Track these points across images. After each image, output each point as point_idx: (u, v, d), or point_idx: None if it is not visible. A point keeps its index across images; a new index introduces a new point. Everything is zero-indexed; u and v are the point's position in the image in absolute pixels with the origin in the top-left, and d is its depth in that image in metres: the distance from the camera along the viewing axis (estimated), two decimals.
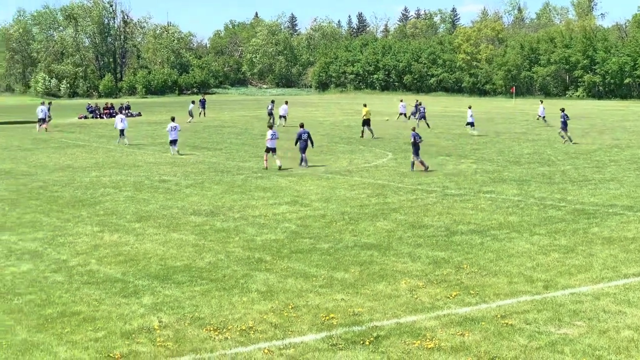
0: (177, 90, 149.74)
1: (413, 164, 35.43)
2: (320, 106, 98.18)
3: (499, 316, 14.61)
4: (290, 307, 15.28)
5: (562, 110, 48.49)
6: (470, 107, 57.29)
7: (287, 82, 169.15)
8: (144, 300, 15.81)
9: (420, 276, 17.44)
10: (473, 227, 22.79)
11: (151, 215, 25.02)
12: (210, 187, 30.78)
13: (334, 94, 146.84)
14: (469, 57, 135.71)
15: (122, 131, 49.22)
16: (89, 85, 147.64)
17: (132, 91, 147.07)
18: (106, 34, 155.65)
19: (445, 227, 22.81)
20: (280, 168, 35.78)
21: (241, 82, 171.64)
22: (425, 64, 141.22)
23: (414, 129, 36.28)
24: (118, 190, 30.30)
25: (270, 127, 38.13)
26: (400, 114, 69.64)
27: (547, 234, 21.73)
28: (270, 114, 63.42)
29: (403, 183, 31.55)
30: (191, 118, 68.48)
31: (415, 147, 35.18)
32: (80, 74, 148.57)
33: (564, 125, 47.27)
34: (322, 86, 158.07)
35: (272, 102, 67.70)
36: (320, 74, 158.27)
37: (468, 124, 55.16)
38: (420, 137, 35.57)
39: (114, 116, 75.74)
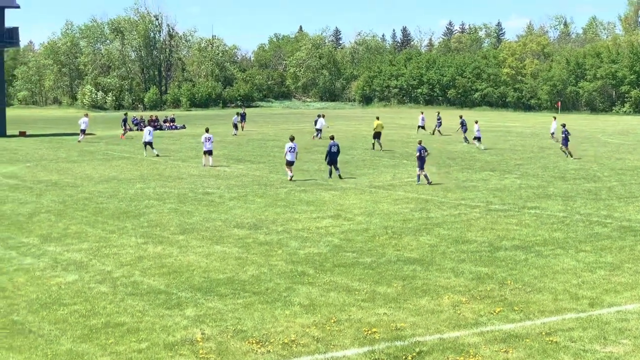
0: (221, 103, 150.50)
1: (419, 177, 35.80)
2: (363, 120, 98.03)
3: (543, 333, 14.47)
4: (332, 320, 15.26)
5: (564, 125, 48.92)
6: (477, 122, 56.81)
7: (330, 95, 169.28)
8: (187, 312, 15.88)
9: (464, 292, 17.33)
10: (517, 243, 22.61)
11: (195, 227, 25.14)
12: (254, 200, 30.86)
13: (377, 108, 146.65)
14: (513, 72, 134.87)
15: (149, 144, 49.34)
16: (134, 97, 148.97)
17: (176, 104, 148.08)
18: (152, 47, 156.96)
19: (489, 242, 22.66)
20: (291, 179, 36.60)
21: (285, 95, 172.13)
22: (469, 78, 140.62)
23: (420, 142, 36.70)
24: (162, 202, 30.49)
25: (292, 139, 38.36)
26: (419, 126, 69.87)
27: (593, 250, 21.50)
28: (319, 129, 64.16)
29: (446, 198, 31.40)
30: (235, 130, 68.86)
31: (421, 160, 35.57)
32: (126, 86, 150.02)
33: (565, 140, 47.88)
34: (366, 100, 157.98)
35: (320, 116, 67.20)
36: (364, 88, 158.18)
37: (475, 138, 55.09)
38: (426, 151, 35.97)
39: (157, 129, 76.39)
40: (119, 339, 14.34)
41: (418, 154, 35.64)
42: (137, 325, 15.10)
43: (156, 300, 16.78)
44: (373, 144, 53.92)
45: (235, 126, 69.85)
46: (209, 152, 43.41)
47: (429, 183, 35.16)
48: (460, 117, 63.82)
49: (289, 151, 37.08)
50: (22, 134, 71.72)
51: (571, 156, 47.08)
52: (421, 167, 35.66)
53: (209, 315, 15.70)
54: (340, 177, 37.23)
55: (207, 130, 44.42)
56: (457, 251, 21.49)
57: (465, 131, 60.16)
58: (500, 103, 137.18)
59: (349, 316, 15.58)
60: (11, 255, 21.27)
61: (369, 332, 14.60)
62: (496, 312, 15.80)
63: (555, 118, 63.89)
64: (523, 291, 17.35)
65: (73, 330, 14.86)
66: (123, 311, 15.99)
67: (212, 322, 15.23)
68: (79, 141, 60.98)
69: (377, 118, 57.28)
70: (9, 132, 71.42)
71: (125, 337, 14.40)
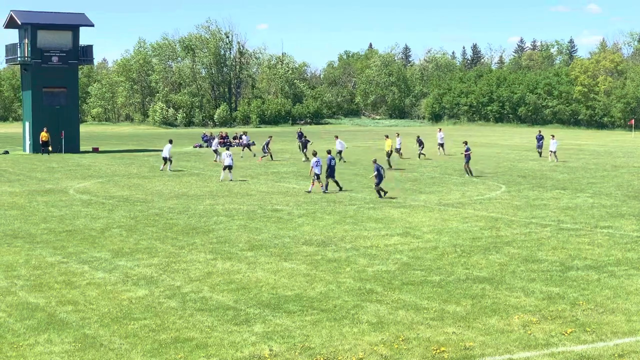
0: (290, 120, 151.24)
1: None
2: (433, 138, 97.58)
3: (616, 355, 14.19)
4: (400, 339, 15.17)
5: (552, 136, 54.84)
6: (553, 136, 59.67)
7: (399, 113, 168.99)
8: (255, 329, 15.92)
9: (534, 311, 17.09)
10: (589, 262, 22.24)
11: (263, 244, 25.24)
12: (323, 217, 30.89)
13: (447, 126, 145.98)
14: (586, 89, 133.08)
15: (229, 167, 48.77)
16: (204, 114, 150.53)
17: (246, 120, 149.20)
18: (222, 65, 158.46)
19: (560, 262, 22.33)
20: (309, 191, 38.75)
21: (354, 112, 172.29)
22: (540, 95, 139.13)
23: (375, 161, 37.96)
24: (231, 218, 30.69)
25: (314, 154, 40.62)
26: (439, 144, 67.81)
27: None
28: (398, 150, 60.74)
29: (516, 216, 31.06)
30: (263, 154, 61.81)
31: (379, 178, 36.67)
32: (197, 103, 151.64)
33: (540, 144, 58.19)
34: (435, 117, 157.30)
35: (397, 134, 63.98)
36: (434, 105, 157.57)
37: (551, 151, 57.34)
38: (384, 169, 37.68)
39: (228, 145, 76.86)
40: (187, 354, 14.43)
41: (376, 172, 36.69)
42: (206, 340, 15.19)
43: (225, 316, 16.87)
44: (389, 162, 52.34)
45: (264, 148, 61.12)
46: (229, 167, 44.63)
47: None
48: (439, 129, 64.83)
49: (315, 165, 39.05)
50: (95, 150, 72.96)
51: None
52: (377, 183, 36.77)
53: (277, 331, 15.73)
54: (340, 189, 39.44)
55: (227, 148, 46.96)
56: (527, 270, 21.22)
57: (422, 149, 61.51)
58: (572, 121, 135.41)
59: (417, 335, 15.47)
60: (84, 269, 21.59)
61: (438, 351, 14.47)
62: (568, 332, 15.55)
63: (553, 136, 61.00)
64: (595, 312, 17.05)
65: (143, 344, 15.00)
66: (192, 326, 16.10)
67: (280, 339, 15.25)
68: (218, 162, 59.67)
69: (387, 137, 56.10)
70: (82, 148, 72.73)
71: (194, 352, 14.49)
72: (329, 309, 17.40)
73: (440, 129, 73.88)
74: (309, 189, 39.12)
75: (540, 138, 63.39)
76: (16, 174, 49.19)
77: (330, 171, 39.58)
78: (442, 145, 67.62)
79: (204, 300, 18.21)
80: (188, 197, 37.48)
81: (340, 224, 29.11)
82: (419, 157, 61.00)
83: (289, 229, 28.05)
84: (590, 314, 16.87)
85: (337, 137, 61.23)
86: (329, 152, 41.38)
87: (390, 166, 51.90)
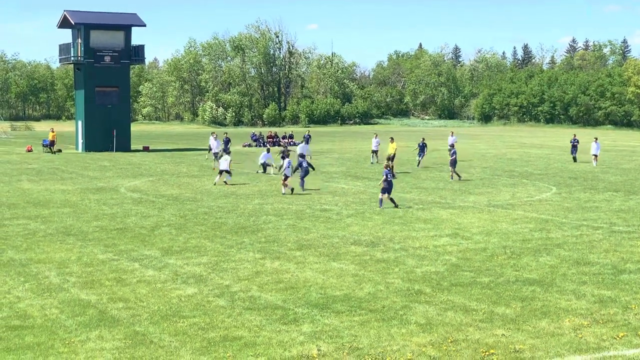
0: (339, 119, 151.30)
1: (381, 201, 33.63)
2: (482, 138, 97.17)
3: None
4: (449, 340, 15.09)
5: (596, 139, 56.00)
6: (596, 139, 58.02)
7: (449, 113, 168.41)
8: (303, 328, 15.94)
9: (585, 315, 16.90)
10: None
11: (312, 243, 25.27)
12: (371, 218, 30.84)
13: (497, 126, 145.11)
14: (639, 90, 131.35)
15: (263, 165, 49.28)
16: (253, 114, 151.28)
17: (295, 120, 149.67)
18: (271, 64, 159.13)
19: (612, 265, 22.06)
20: (292, 191, 38.33)
21: (403, 113, 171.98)
22: (592, 96, 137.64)
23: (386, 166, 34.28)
24: (280, 218, 30.77)
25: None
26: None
27: None
28: (375, 152, 57.73)
29: (567, 218, 30.74)
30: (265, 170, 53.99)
31: (388, 183, 33.46)
32: (246, 103, 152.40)
33: (574, 149, 58.10)
34: (485, 118, 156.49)
35: (454, 137, 61.34)
36: (484, 106, 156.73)
37: (593, 155, 56.32)
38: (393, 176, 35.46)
39: (276, 145, 77.23)
40: (236, 352, 14.49)
41: (384, 177, 33.49)
42: (254, 339, 15.24)
43: (273, 315, 16.91)
44: (391, 167, 47.91)
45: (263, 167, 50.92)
46: (226, 172, 42.85)
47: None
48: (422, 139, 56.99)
49: (287, 166, 39.00)
50: (146, 149, 73.63)
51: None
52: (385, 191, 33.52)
53: (325, 331, 15.73)
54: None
55: (268, 150, 48.72)
56: (578, 273, 21.00)
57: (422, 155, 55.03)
58: (624, 122, 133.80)
59: (466, 336, 15.38)
60: (134, 267, 21.79)
61: (487, 353, 14.37)
62: (620, 336, 15.36)
63: (596, 139, 58.42)
64: None
65: (192, 342, 15.09)
66: (241, 325, 16.16)
67: (329, 339, 15.25)
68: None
69: (392, 140, 51.94)
70: (133, 147, 73.46)
71: (243, 351, 14.55)
72: (377, 309, 17.37)
73: (452, 133, 64.51)
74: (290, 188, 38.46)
75: (575, 142, 58.88)
76: (69, 172, 49.80)
77: (303, 173, 41.03)
78: (375, 152, 58.39)
79: (253, 299, 18.27)
80: (237, 196, 37.64)
81: (389, 225, 29.04)
82: (418, 164, 54.42)
83: (337, 229, 28.05)
84: None
85: (392, 138, 54.85)
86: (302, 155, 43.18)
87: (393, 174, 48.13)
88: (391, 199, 33.50)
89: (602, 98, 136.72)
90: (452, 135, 62.07)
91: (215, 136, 58.11)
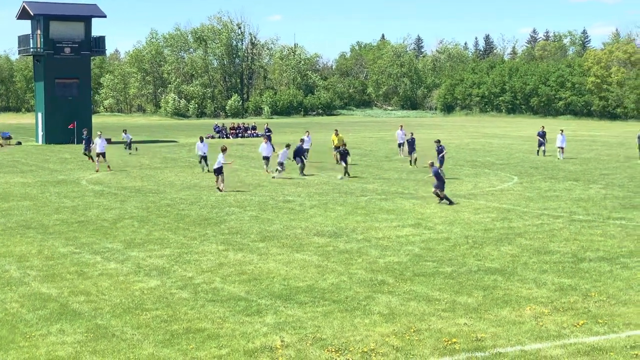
0: (302, 111, 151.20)
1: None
2: (445, 129, 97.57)
3: (628, 347, 14.16)
4: (412, 330, 15.17)
5: (561, 131, 54.79)
6: (562, 131, 55.38)
7: (412, 104, 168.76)
8: (266, 320, 15.95)
9: (546, 303, 17.06)
10: (602, 254, 22.18)
11: (275, 235, 25.26)
12: (334, 208, 30.89)
13: (459, 117, 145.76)
14: (599, 80, 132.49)
15: (203, 157, 46.10)
16: (216, 105, 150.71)
17: (258, 112, 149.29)
18: (234, 56, 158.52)
19: (572, 253, 22.27)
20: (273, 178, 40.79)
21: (366, 103, 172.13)
22: (553, 86, 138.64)
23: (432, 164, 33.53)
24: (243, 209, 30.73)
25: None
26: (399, 144, 56.12)
27: None
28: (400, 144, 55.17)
29: (528, 207, 30.99)
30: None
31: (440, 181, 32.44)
32: (208, 94, 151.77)
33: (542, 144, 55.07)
34: (447, 108, 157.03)
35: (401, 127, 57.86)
36: (446, 96, 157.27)
37: (559, 147, 52.99)
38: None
39: (239, 136, 77.23)
40: (199, 344, 14.47)
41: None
42: (218, 331, 15.22)
43: (236, 307, 16.90)
44: (337, 158, 45.89)
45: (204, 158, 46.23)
46: (204, 158, 44.98)
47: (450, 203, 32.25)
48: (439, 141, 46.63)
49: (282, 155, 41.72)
50: (108, 141, 72.96)
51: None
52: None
53: (289, 322, 15.75)
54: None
55: (201, 140, 46.24)
56: (539, 262, 21.18)
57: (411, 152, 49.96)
58: (584, 112, 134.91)
59: (428, 326, 15.47)
60: (96, 260, 21.66)
61: (449, 342, 14.47)
62: (580, 324, 15.52)
63: (562, 131, 56.15)
64: (607, 303, 17.01)
65: (155, 335, 15.04)
66: (204, 317, 16.13)
67: (292, 330, 15.27)
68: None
69: (336, 133, 50.40)
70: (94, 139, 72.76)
71: (206, 343, 14.53)
72: (340, 300, 17.41)
73: (401, 126, 58.63)
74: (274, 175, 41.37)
75: (542, 135, 55.54)
76: (29, 165, 49.36)
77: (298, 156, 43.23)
78: (401, 145, 55.30)
79: (216, 291, 18.24)
80: (200, 188, 37.53)
81: (352, 215, 29.10)
82: (412, 163, 48.81)
83: (300, 220, 28.06)
84: (602, 306, 16.83)
85: (337, 131, 52.27)
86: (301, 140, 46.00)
87: (338, 162, 45.07)
88: (444, 197, 32.12)
89: (563, 88, 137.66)
90: (401, 130, 56.55)
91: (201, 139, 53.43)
